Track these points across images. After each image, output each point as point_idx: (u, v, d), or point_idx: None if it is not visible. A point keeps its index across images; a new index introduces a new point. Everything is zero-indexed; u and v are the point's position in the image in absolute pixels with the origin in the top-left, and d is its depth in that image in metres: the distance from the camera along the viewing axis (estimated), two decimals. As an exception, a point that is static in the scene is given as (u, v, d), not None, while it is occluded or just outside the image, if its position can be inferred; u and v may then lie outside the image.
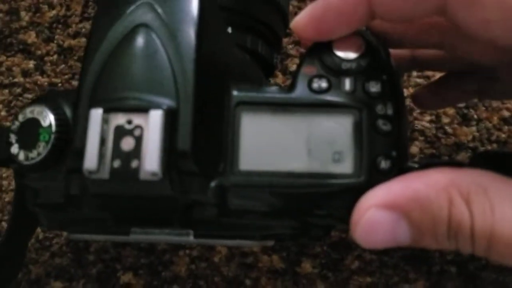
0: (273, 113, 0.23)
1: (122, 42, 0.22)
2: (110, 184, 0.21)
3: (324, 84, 0.24)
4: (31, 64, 0.39)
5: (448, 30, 0.24)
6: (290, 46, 0.38)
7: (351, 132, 0.23)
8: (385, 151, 0.23)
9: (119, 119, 0.21)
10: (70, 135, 0.23)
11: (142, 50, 0.22)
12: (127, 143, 0.21)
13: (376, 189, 0.21)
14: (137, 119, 0.21)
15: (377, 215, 0.20)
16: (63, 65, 0.39)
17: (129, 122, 0.21)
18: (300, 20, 0.23)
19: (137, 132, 0.21)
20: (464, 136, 0.35)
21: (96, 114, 0.21)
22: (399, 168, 0.23)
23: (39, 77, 0.39)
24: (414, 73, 0.37)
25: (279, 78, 0.37)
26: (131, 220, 0.23)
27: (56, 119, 0.23)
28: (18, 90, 0.39)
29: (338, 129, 0.23)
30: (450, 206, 0.20)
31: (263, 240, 0.26)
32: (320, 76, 0.24)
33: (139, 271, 0.36)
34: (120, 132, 0.21)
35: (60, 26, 0.40)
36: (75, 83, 0.38)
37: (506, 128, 0.35)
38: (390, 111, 0.23)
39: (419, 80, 0.36)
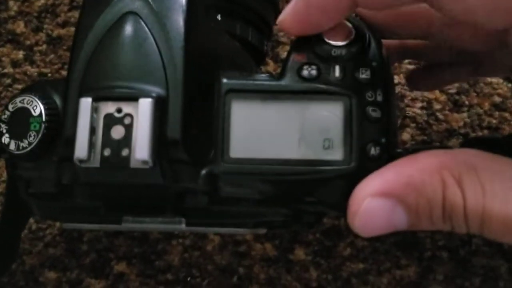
0: (263, 100, 0.24)
1: (111, 30, 0.22)
2: (101, 173, 0.21)
3: (313, 71, 0.24)
4: (20, 54, 0.39)
5: (434, 18, 0.25)
6: (281, 33, 0.38)
7: (341, 119, 0.23)
8: (375, 138, 0.23)
9: (108, 107, 0.21)
10: (61, 124, 0.23)
11: (131, 38, 0.22)
12: (117, 132, 0.21)
13: (370, 178, 0.21)
14: (126, 108, 0.21)
15: (374, 204, 0.21)
16: (52, 55, 0.39)
17: (119, 110, 0.21)
18: (285, 18, 0.23)
19: (127, 121, 0.21)
20: (455, 122, 0.36)
21: (86, 103, 0.21)
22: (389, 154, 0.23)
23: (29, 67, 0.39)
24: (405, 60, 0.37)
25: (271, 65, 0.38)
26: (122, 208, 0.23)
27: (46, 109, 0.23)
28: (8, 81, 0.39)
29: (328, 117, 0.23)
30: (444, 188, 0.20)
31: (255, 228, 0.26)
32: (309, 64, 0.24)
33: (133, 260, 0.36)
34: (110, 121, 0.21)
35: (48, 15, 0.40)
36: (64, 73, 0.38)
37: (497, 114, 0.36)
38: (379, 98, 0.24)
39: (410, 67, 0.37)
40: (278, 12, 0.32)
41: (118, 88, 0.21)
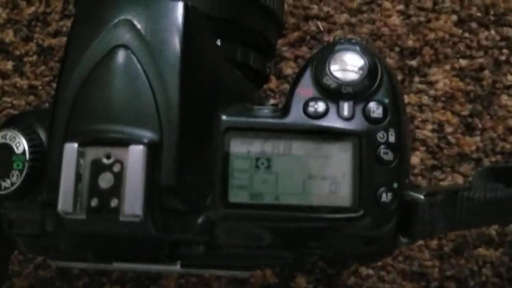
0: (265, 140, 0.22)
1: (99, 65, 0.20)
2: (87, 224, 0.19)
3: (320, 109, 0.22)
4: (9, 65, 0.37)
5: None
6: (285, 48, 0.36)
7: (350, 162, 0.22)
8: (386, 183, 0.21)
9: (96, 153, 0.19)
10: (46, 162, 0.21)
11: (121, 76, 0.20)
12: (106, 180, 0.19)
13: None
14: (116, 154, 0.19)
15: None
16: (43, 67, 0.37)
17: (108, 156, 0.19)
18: None
19: (116, 168, 0.19)
20: (467, 146, 0.34)
21: (71, 149, 0.19)
22: (401, 199, 0.22)
23: (18, 79, 0.37)
24: (416, 79, 0.35)
25: (273, 82, 0.36)
26: (112, 257, 0.21)
27: (30, 146, 0.22)
28: (-4, 93, 0.37)
29: (335, 158, 0.22)
30: None
31: (254, 269, 0.24)
32: (316, 99, 0.22)
33: (126, 285, 0.35)
34: (98, 168, 0.19)
35: (39, 24, 0.38)
36: (55, 86, 0.37)
37: (511, 138, 0.34)
38: (392, 138, 0.22)
39: (421, 86, 0.35)
40: (282, 30, 0.30)
41: (107, 132, 0.19)
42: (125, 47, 0.20)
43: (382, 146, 0.22)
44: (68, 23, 0.38)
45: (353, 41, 0.23)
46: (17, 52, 0.38)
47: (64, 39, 0.37)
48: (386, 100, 0.22)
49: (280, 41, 0.36)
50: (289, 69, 0.36)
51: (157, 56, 0.20)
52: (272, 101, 0.36)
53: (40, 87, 0.37)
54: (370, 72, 0.22)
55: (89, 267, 0.26)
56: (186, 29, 0.21)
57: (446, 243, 0.33)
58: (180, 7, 0.21)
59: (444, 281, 0.33)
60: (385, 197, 0.21)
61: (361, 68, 0.22)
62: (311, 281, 0.34)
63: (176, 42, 0.20)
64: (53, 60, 0.37)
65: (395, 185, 0.21)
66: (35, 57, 0.37)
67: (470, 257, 0.33)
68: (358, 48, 0.23)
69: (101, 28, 0.21)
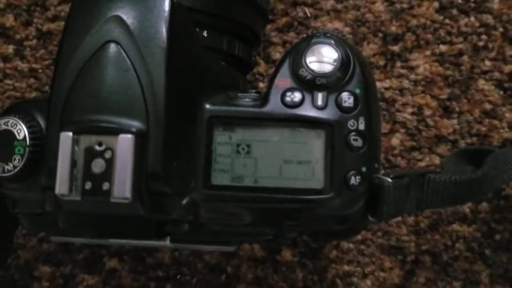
0: (246, 127, 0.24)
1: (92, 59, 0.22)
2: (82, 204, 0.21)
3: (296, 98, 0.24)
4: (11, 48, 0.39)
5: None
6: (273, 33, 0.37)
7: (323, 148, 0.23)
8: (355, 167, 0.23)
9: (89, 141, 0.21)
10: (44, 148, 0.23)
11: (112, 70, 0.22)
12: (98, 165, 0.21)
13: None
14: (107, 142, 0.21)
15: None
16: (43, 50, 0.38)
17: (100, 144, 0.21)
18: None
19: (107, 155, 0.21)
20: (445, 128, 0.36)
21: (66, 137, 0.21)
22: (369, 182, 0.24)
23: (19, 63, 0.39)
24: (398, 64, 0.36)
25: (262, 66, 0.37)
26: (106, 234, 0.23)
27: (30, 132, 0.23)
28: (-2, 76, 0.39)
29: (310, 145, 0.24)
30: None
31: (240, 244, 0.27)
32: (293, 90, 0.24)
33: (124, 257, 0.37)
34: (91, 154, 0.21)
35: (38, 8, 0.39)
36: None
37: (487, 121, 0.35)
38: (361, 126, 0.24)
39: (402, 71, 0.36)
40: (267, 20, 0.32)
41: (99, 122, 0.21)
42: (116, 42, 0.22)
43: (352, 134, 0.23)
44: (66, 8, 0.39)
45: (328, 34, 0.25)
46: (18, 36, 0.39)
47: (62, 23, 0.39)
48: (358, 91, 0.24)
49: (268, 26, 0.37)
50: (277, 54, 0.37)
51: (144, 51, 0.22)
52: (260, 84, 0.37)
53: (40, 70, 0.39)
54: (343, 64, 0.24)
55: (87, 242, 0.28)
56: (171, 25, 0.22)
57: (422, 219, 0.35)
58: (166, 3, 0.22)
59: (420, 255, 0.35)
60: (354, 180, 0.23)
61: (335, 61, 0.24)
62: (296, 254, 0.36)
63: (162, 38, 0.22)
64: (52, 44, 0.39)
65: (364, 169, 0.23)
66: (34, 41, 0.39)
67: (444, 232, 0.35)
68: (332, 41, 0.24)
69: (94, 24, 0.22)
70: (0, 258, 0.34)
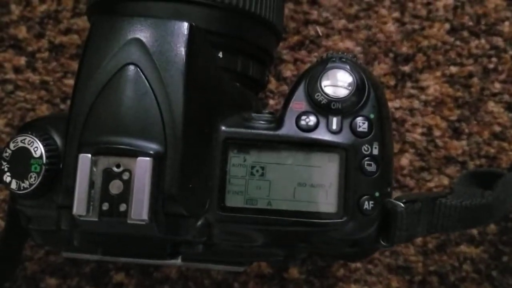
0: (261, 150, 0.24)
1: (111, 81, 0.22)
2: (99, 225, 0.22)
3: (311, 122, 0.24)
4: (23, 60, 0.39)
5: None
6: (285, 51, 0.38)
7: (337, 172, 0.24)
8: (369, 192, 0.24)
9: (107, 162, 0.21)
10: (61, 166, 0.23)
11: (131, 92, 0.22)
12: (116, 187, 0.21)
13: None
14: (125, 163, 0.21)
15: None
16: (55, 63, 0.39)
17: (118, 166, 0.21)
18: None
19: (125, 176, 0.21)
20: (454, 149, 0.36)
21: (85, 158, 0.21)
22: (382, 206, 0.24)
23: (31, 74, 0.39)
24: (408, 84, 0.37)
25: (273, 83, 0.38)
26: (120, 253, 0.24)
27: (47, 151, 0.24)
28: (10, 87, 0.39)
29: (324, 168, 0.24)
30: None
31: (248, 265, 0.27)
32: (308, 113, 0.24)
33: (131, 271, 0.38)
34: (109, 175, 0.21)
35: (51, 21, 0.39)
36: (66, 81, 0.39)
37: (496, 143, 0.36)
38: (375, 151, 0.24)
39: (412, 91, 0.37)
40: (280, 38, 0.32)
41: (117, 143, 0.22)
42: (135, 65, 0.22)
43: (366, 158, 0.24)
44: (79, 21, 0.40)
45: (343, 59, 0.25)
46: (30, 48, 0.39)
47: (75, 36, 0.39)
48: (372, 116, 0.24)
49: (280, 45, 0.38)
50: (288, 72, 0.38)
51: (163, 74, 0.22)
52: (271, 101, 0.38)
53: (51, 83, 0.39)
54: (358, 89, 0.24)
55: (99, 259, 0.29)
56: (190, 48, 0.23)
57: (430, 240, 0.36)
58: (185, 27, 0.23)
59: (427, 275, 0.36)
60: (367, 204, 0.24)
61: (350, 85, 0.24)
62: (303, 272, 0.36)
63: (181, 61, 0.22)
64: (64, 57, 0.39)
65: (377, 194, 0.24)
66: (47, 54, 0.39)
67: (452, 253, 0.36)
68: (347, 66, 0.25)
69: (114, 45, 0.23)
70: (8, 270, 0.35)
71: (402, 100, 0.37)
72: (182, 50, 0.23)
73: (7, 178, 0.24)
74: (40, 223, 0.25)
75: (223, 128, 0.24)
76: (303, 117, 0.24)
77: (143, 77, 0.22)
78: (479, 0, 0.37)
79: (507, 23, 0.37)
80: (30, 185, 0.24)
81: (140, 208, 0.21)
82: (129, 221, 0.21)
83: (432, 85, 0.37)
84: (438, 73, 0.37)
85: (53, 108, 0.39)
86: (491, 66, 0.37)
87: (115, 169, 0.21)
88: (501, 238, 0.36)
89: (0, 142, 0.39)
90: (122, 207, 0.21)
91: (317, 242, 0.24)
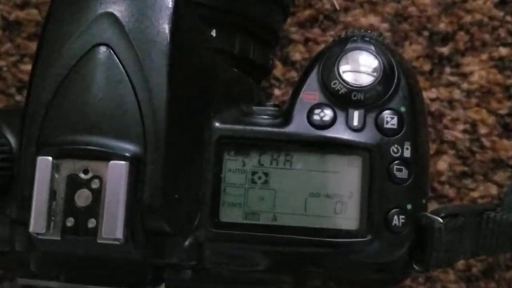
0: (263, 151, 0.24)
1: (77, 67, 0.22)
2: (62, 245, 0.21)
3: (327, 117, 0.24)
4: (-30, 41, 0.39)
5: None
6: (293, 29, 0.37)
7: (359, 179, 0.24)
8: (399, 204, 0.23)
9: (73, 167, 0.21)
10: (15, 171, 0.23)
11: (102, 79, 0.22)
12: (83, 198, 0.21)
13: None
14: (94, 168, 0.21)
15: None
16: (9, 44, 0.39)
17: (85, 171, 0.21)
18: None
19: (94, 184, 0.21)
20: (504, 151, 0.36)
21: (45, 162, 0.21)
22: (415, 223, 0.24)
23: (-20, 59, 0.39)
24: (447, 70, 0.37)
25: (279, 68, 0.37)
26: (88, 280, 0.24)
27: (-2, 152, 0.24)
28: (-47, 74, 0.39)
29: (342, 174, 0.24)
30: None
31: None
32: (322, 106, 0.24)
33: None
34: (74, 184, 0.21)
35: (4, -8, 0.40)
36: (23, 67, 0.39)
37: (556, 143, 0.36)
38: (407, 153, 0.24)
39: (452, 78, 0.37)
40: (288, 12, 0.32)
41: (85, 144, 0.21)
42: (107, 45, 0.22)
43: (395, 162, 0.24)
44: (38, -8, 0.40)
45: (367, 38, 0.25)
46: (-22, 27, 0.39)
47: (34, 11, 0.39)
48: (403, 109, 0.24)
49: (288, 21, 0.37)
50: (297, 54, 0.38)
51: (142, 57, 0.22)
52: (276, 91, 0.38)
53: (5, 68, 0.39)
54: (385, 76, 0.24)
55: (60, 286, 0.29)
56: (175, 24, 0.22)
57: (474, 263, 0.35)
58: None
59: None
60: (397, 220, 0.23)
61: (375, 71, 0.24)
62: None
63: (164, 41, 0.22)
64: (21, 37, 0.39)
65: (409, 206, 0.23)
66: (-1, 33, 0.39)
67: (501, 280, 0.35)
68: (372, 47, 0.24)
69: (80, 23, 0.22)
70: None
71: (440, 90, 0.37)
72: (166, 27, 0.22)
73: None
74: (-10, 242, 0.25)
75: (216, 124, 0.24)
76: (316, 111, 0.24)
77: (117, 60, 0.22)
78: (535, -35, 0.37)
79: None
80: (-24, 195, 0.24)
81: (113, 224, 0.21)
82: (99, 241, 0.21)
83: (477, 70, 0.37)
84: (484, 56, 0.37)
85: (7, 99, 0.39)
86: (550, 47, 0.36)
87: (82, 175, 0.21)
88: (562, 261, 0.35)
89: None
90: (91, 223, 0.21)
91: (334, 267, 0.24)
